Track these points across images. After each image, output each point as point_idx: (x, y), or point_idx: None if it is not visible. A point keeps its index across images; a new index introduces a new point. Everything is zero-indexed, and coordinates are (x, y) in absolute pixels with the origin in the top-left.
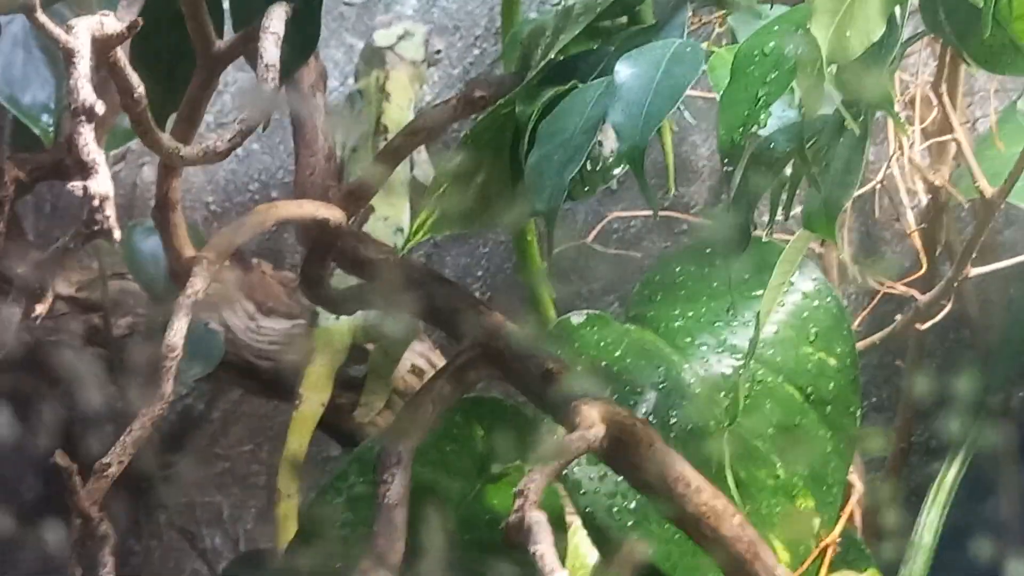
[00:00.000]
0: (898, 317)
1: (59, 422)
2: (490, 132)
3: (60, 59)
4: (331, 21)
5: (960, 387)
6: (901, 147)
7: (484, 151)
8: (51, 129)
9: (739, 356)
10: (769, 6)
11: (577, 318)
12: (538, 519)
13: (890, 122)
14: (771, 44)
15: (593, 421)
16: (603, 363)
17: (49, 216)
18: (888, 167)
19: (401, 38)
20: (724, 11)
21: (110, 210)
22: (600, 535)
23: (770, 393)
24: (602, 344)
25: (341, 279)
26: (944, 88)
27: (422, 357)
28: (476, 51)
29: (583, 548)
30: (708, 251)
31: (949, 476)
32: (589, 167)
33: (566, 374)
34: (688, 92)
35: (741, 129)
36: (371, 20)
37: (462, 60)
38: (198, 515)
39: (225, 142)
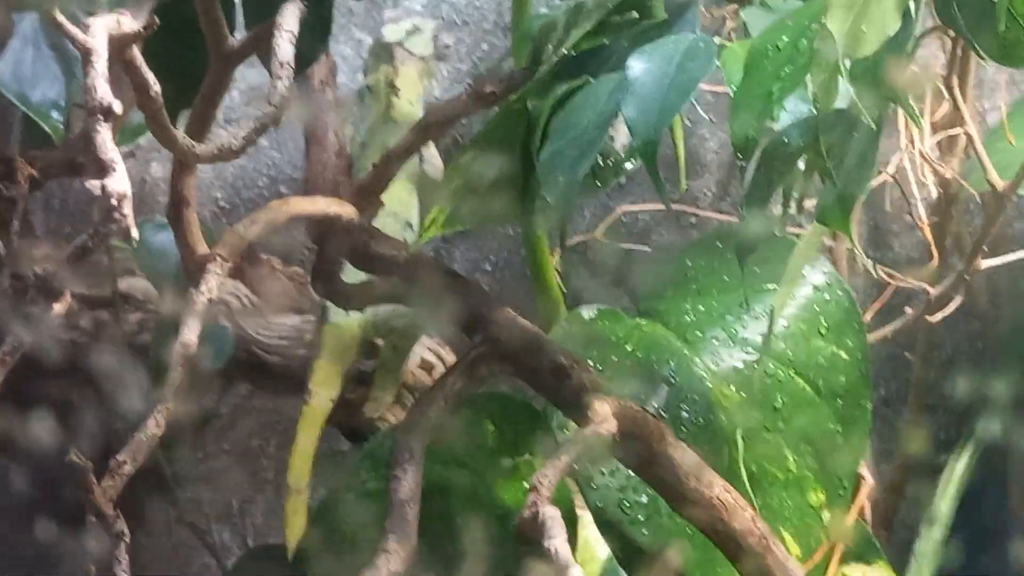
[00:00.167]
0: (908, 310)
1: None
2: (502, 128)
3: (70, 56)
4: (340, 16)
5: (970, 379)
6: (912, 140)
7: (496, 147)
8: (61, 126)
9: (750, 350)
10: (782, 0)
11: (588, 312)
12: (552, 514)
13: (900, 115)
14: (785, 39)
15: (605, 416)
16: (614, 358)
17: (59, 212)
18: (900, 161)
19: (410, 33)
20: (736, 5)
21: (128, 209)
22: (611, 530)
23: (781, 386)
24: (613, 338)
25: (350, 274)
26: (955, 81)
27: (431, 352)
28: (485, 46)
29: (593, 542)
30: (718, 244)
31: (959, 468)
32: (601, 162)
33: (577, 369)
34: None
35: (755, 124)
36: (379, 15)
37: (471, 55)
38: (207, 510)
39: (240, 140)
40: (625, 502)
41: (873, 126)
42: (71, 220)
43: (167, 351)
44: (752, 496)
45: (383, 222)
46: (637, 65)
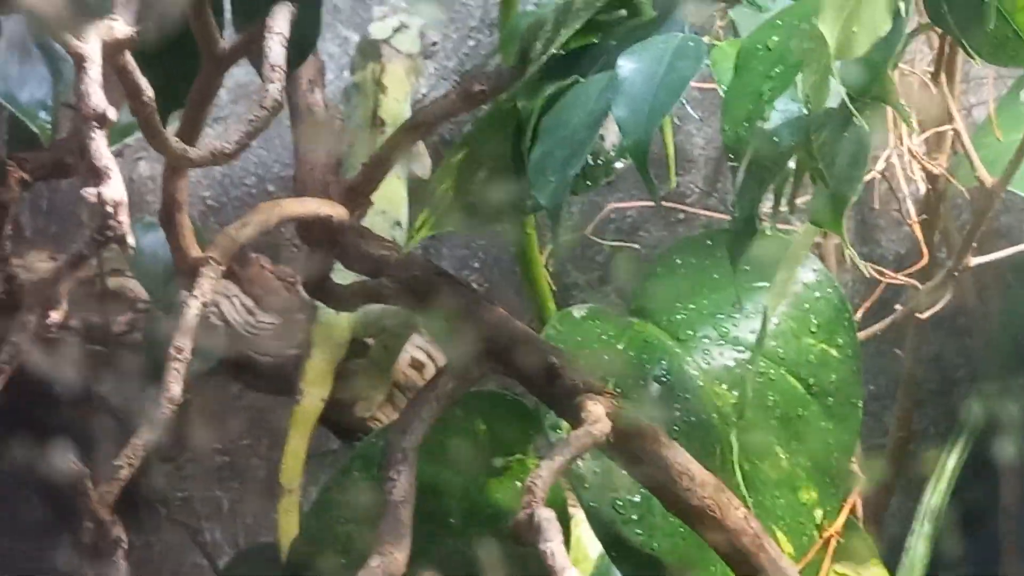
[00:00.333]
0: (898, 306)
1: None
2: (492, 127)
3: (57, 56)
4: (326, 14)
5: (958, 375)
6: (900, 138)
7: (486, 147)
8: (49, 126)
9: (741, 348)
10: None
11: (579, 311)
12: (548, 516)
13: (889, 111)
14: (775, 38)
15: (599, 417)
16: (606, 357)
17: (46, 213)
18: (887, 158)
19: (397, 31)
20: (725, 4)
21: (124, 216)
22: (604, 529)
23: (772, 385)
24: (604, 337)
25: (340, 273)
26: (943, 78)
27: (422, 350)
28: (471, 43)
29: (585, 541)
30: (709, 243)
31: (949, 464)
32: (591, 161)
33: (570, 369)
34: None
35: (746, 124)
36: (366, 12)
37: (457, 52)
38: (198, 509)
39: (233, 143)
40: (619, 502)
41: (865, 127)
42: (58, 221)
43: (158, 350)
44: (746, 495)
45: (372, 221)
46: (627, 64)
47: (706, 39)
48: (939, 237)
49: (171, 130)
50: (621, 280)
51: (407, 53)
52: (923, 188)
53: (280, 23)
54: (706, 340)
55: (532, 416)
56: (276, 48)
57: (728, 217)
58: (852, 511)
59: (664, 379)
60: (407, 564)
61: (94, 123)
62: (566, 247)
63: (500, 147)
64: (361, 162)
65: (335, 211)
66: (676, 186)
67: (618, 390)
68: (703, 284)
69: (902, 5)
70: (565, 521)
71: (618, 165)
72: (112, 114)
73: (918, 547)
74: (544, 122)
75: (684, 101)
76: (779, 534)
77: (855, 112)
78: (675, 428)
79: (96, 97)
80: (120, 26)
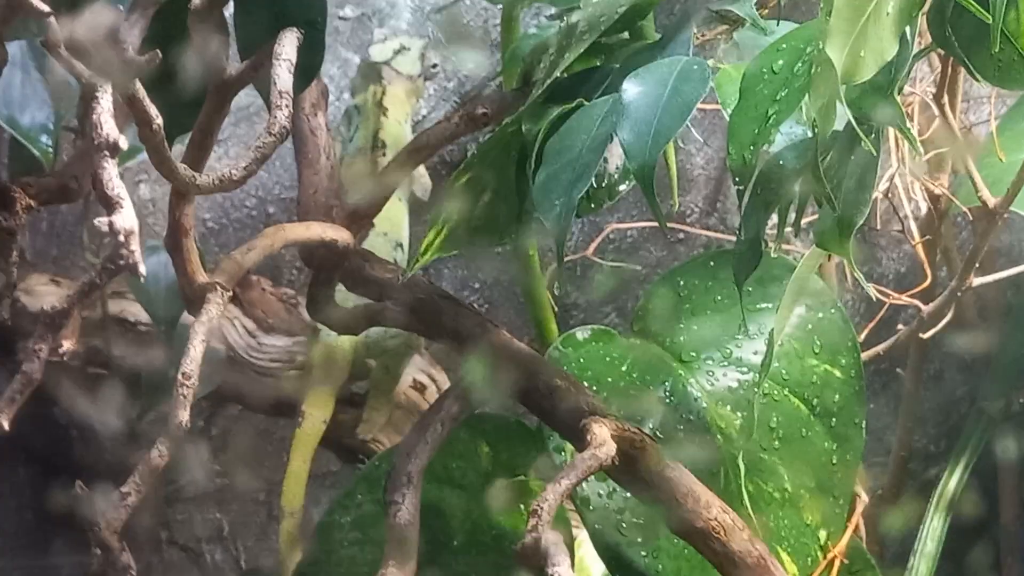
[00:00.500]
0: (900, 326)
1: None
2: (496, 151)
3: (58, 80)
4: (326, 36)
5: (960, 394)
6: (903, 159)
7: (490, 170)
8: (50, 150)
9: (745, 369)
10: (776, 23)
11: (582, 333)
12: (555, 540)
13: (891, 132)
14: (780, 62)
15: (604, 439)
16: (609, 378)
17: (46, 235)
18: (891, 180)
19: (397, 52)
20: (729, 27)
21: (135, 245)
22: (608, 550)
23: (776, 406)
24: (608, 359)
25: (339, 294)
26: (946, 99)
27: (423, 372)
28: (471, 64)
29: (588, 561)
30: (711, 264)
31: (951, 483)
32: (595, 184)
33: (574, 391)
34: None
35: (752, 147)
36: (366, 34)
37: (457, 73)
38: (198, 532)
39: (240, 170)
40: (624, 524)
41: (873, 151)
42: (59, 243)
43: (159, 375)
44: (751, 515)
45: (373, 242)
46: (632, 88)
47: (710, 62)
48: (940, 257)
49: (176, 152)
50: (621, 300)
51: (408, 75)
52: (924, 207)
53: (287, 49)
54: (710, 361)
55: (535, 438)
56: (284, 75)
57: (728, 237)
58: (855, 530)
59: (668, 400)
60: None
61: (106, 152)
62: (569, 268)
63: (504, 170)
64: (362, 184)
65: (339, 235)
66: (677, 205)
67: (622, 412)
68: (706, 305)
69: (908, 29)
70: (568, 542)
71: (622, 188)
72: (123, 143)
73: (920, 565)
74: (549, 145)
75: (688, 126)
76: (783, 554)
77: (863, 136)
78: (679, 449)
79: (107, 126)
80: (130, 54)
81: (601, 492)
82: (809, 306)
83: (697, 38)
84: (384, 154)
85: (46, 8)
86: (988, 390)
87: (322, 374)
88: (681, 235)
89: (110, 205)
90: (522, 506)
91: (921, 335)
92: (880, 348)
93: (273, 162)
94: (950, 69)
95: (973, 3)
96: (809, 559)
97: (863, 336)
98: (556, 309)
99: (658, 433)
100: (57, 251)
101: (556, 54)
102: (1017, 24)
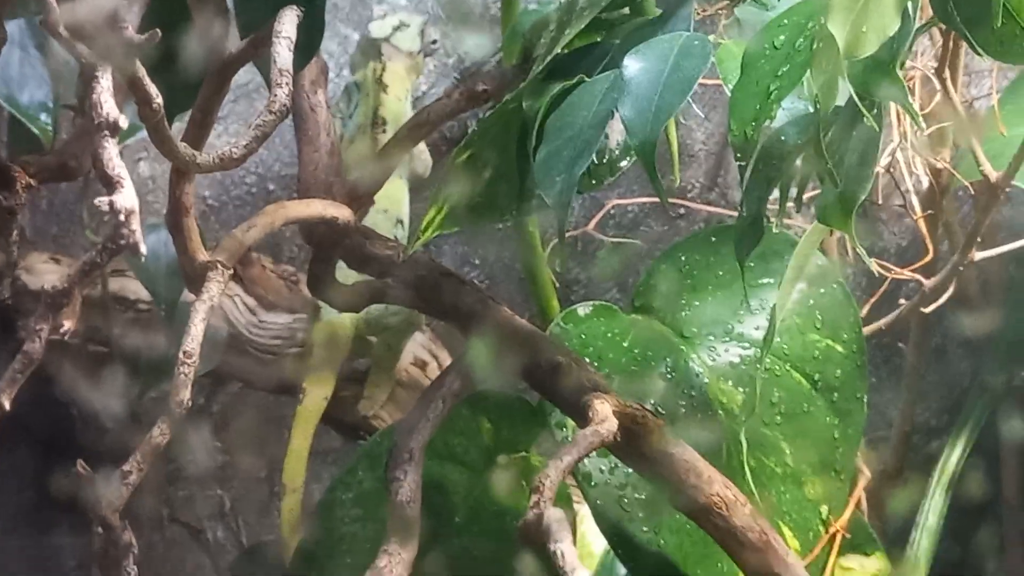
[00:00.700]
0: (902, 301)
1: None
2: (497, 127)
3: (57, 58)
4: (326, 13)
5: (962, 368)
6: (904, 133)
7: (491, 147)
8: (50, 128)
9: (746, 345)
10: None
11: (584, 309)
12: (557, 517)
13: (893, 106)
14: (782, 38)
15: (606, 415)
16: (611, 354)
17: (46, 213)
18: (893, 154)
19: (397, 29)
20: (730, 2)
21: (136, 224)
22: (611, 527)
23: (777, 381)
24: (609, 335)
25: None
26: (947, 73)
27: (425, 349)
28: (471, 40)
29: (590, 537)
30: (713, 239)
31: (953, 458)
32: (596, 160)
33: (576, 367)
34: None
35: (753, 123)
36: (365, 10)
37: (456, 49)
38: (200, 509)
39: (240, 148)
40: (625, 500)
41: (875, 126)
42: (58, 221)
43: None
44: (753, 491)
45: (374, 219)
46: (633, 64)
47: (711, 38)
48: (941, 231)
49: (176, 130)
50: (622, 275)
51: (407, 51)
52: (925, 182)
53: (287, 27)
54: (711, 337)
55: (536, 414)
56: (284, 52)
57: (729, 212)
58: (857, 505)
59: (669, 376)
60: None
61: (106, 131)
62: (570, 243)
63: (505, 147)
64: (362, 162)
65: (340, 212)
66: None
67: (623, 388)
68: (708, 281)
69: (910, 4)
70: (570, 519)
71: (623, 164)
72: (123, 122)
73: (922, 540)
74: (550, 122)
75: (689, 101)
76: (785, 530)
77: (865, 111)
78: (681, 425)
79: (108, 105)
80: (130, 33)
81: (603, 468)
82: (811, 281)
83: (698, 13)
84: (384, 131)
85: None
86: (990, 365)
87: (323, 351)
88: (682, 211)
89: (110, 185)
90: (524, 482)
91: (923, 310)
92: (882, 323)
93: (273, 139)
94: (952, 43)
95: None
96: (811, 534)
97: (865, 311)
98: (557, 285)
99: (660, 409)
100: (57, 229)
101: (556, 30)
102: None
